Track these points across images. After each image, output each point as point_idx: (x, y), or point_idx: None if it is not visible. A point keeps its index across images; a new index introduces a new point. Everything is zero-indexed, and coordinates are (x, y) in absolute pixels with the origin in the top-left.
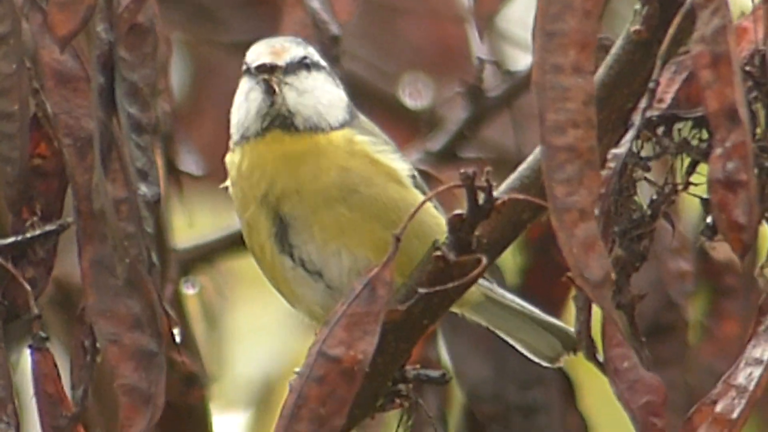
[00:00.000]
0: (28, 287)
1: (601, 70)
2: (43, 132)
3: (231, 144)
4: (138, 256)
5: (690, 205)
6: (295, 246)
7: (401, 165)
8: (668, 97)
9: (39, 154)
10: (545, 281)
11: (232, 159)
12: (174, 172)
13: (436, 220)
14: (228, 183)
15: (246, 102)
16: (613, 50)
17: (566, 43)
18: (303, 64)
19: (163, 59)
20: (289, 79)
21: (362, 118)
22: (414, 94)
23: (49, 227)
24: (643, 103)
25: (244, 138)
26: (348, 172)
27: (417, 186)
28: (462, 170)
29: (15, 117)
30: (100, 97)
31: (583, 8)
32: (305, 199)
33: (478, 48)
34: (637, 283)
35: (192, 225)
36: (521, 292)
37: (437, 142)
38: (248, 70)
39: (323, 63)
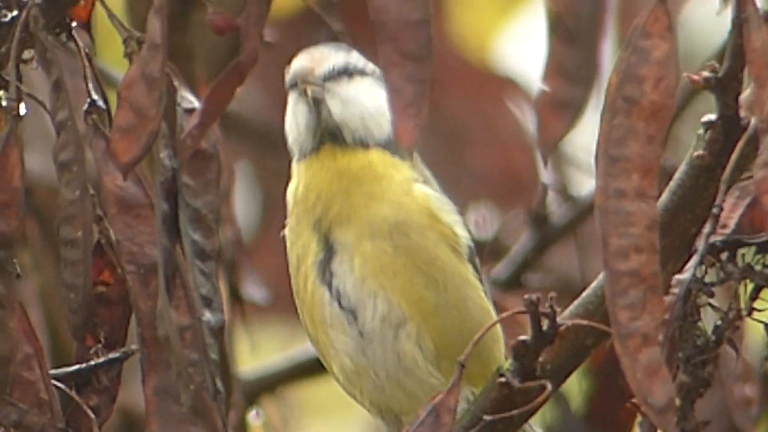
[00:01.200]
0: (92, 415)
1: (665, 195)
2: (106, 259)
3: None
4: (203, 383)
5: (754, 330)
6: (335, 275)
7: (461, 232)
8: (732, 223)
9: (102, 282)
10: (611, 407)
11: (290, 187)
12: (238, 300)
13: (494, 337)
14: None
15: (294, 117)
16: (677, 175)
17: (629, 168)
18: (345, 71)
19: (226, 187)
20: (331, 86)
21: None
22: (479, 224)
23: (112, 355)
24: (706, 229)
25: (302, 156)
26: (402, 211)
27: (471, 261)
28: (526, 296)
29: (78, 244)
30: (163, 224)
31: (646, 133)
32: (354, 224)
33: (544, 174)
34: (701, 409)
35: (256, 354)
36: (587, 418)
37: (502, 271)
38: (293, 84)
39: (369, 68)
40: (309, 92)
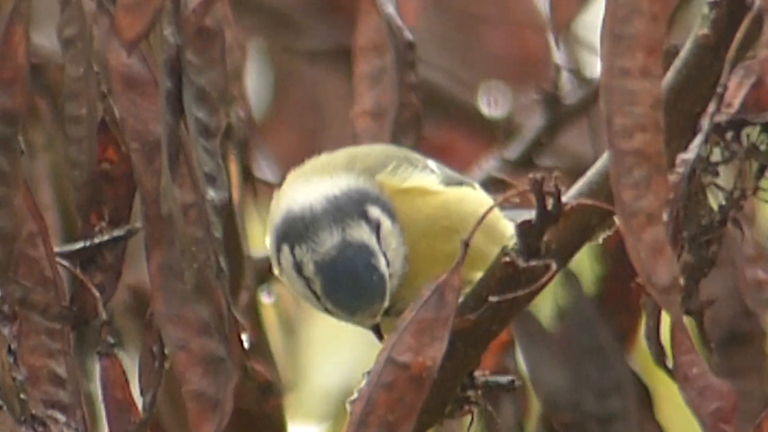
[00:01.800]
0: (96, 293)
1: (670, 74)
2: (110, 136)
3: None
4: (206, 261)
5: (765, 211)
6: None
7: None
8: (736, 102)
9: (107, 159)
10: (623, 289)
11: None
12: (250, 179)
13: (504, 227)
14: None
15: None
16: (682, 54)
17: (634, 47)
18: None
19: (237, 65)
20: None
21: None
22: (492, 103)
23: (117, 232)
24: (711, 108)
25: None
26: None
27: (450, 183)
28: (530, 175)
29: (83, 121)
30: (167, 101)
31: (651, 12)
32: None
33: (557, 55)
34: (713, 291)
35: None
36: (600, 299)
37: (514, 150)
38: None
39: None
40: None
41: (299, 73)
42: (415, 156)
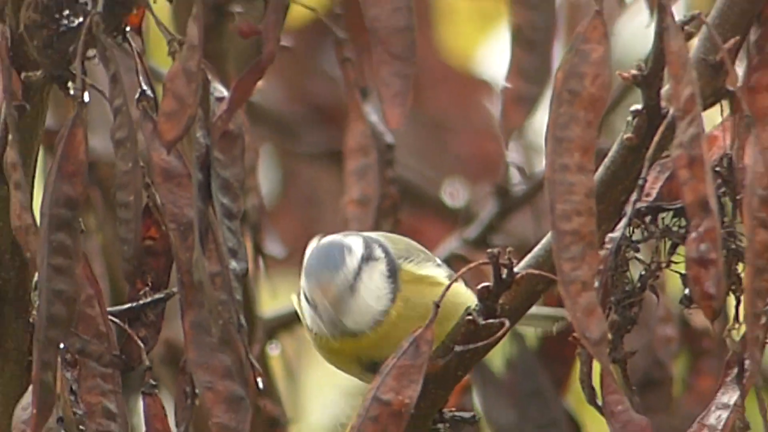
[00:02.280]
0: (141, 344)
1: (600, 170)
2: (153, 218)
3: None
4: (229, 319)
5: (674, 280)
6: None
7: (438, 272)
8: (654, 192)
9: (150, 237)
10: (559, 343)
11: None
12: (261, 255)
13: (466, 295)
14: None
15: (314, 323)
16: (610, 153)
17: (572, 147)
18: (347, 288)
19: (251, 163)
20: (341, 306)
21: (403, 262)
22: (453, 196)
23: (157, 296)
24: (633, 197)
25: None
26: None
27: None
28: (489, 250)
29: (130, 206)
30: (198, 190)
31: (586, 119)
32: (385, 354)
33: (508, 155)
34: (631, 345)
35: (275, 297)
36: (540, 352)
37: (472, 232)
38: (306, 296)
39: (358, 262)
40: (327, 315)
41: (300, 170)
42: (430, 254)
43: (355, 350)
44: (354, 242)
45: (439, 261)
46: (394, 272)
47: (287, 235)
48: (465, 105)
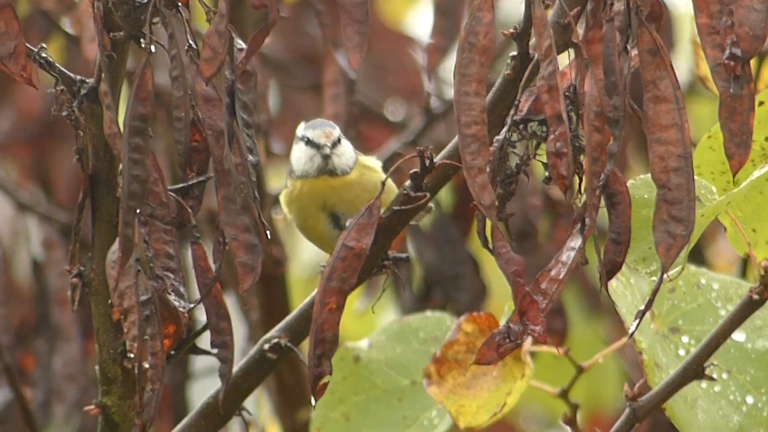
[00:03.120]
0: (189, 210)
1: (490, 95)
2: (197, 128)
3: (288, 181)
4: (248, 193)
5: (538, 167)
6: (343, 219)
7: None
8: (525, 108)
9: (195, 140)
10: (465, 209)
11: (289, 189)
12: (269, 153)
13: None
14: (284, 206)
15: (310, 162)
16: (496, 85)
17: (471, 80)
18: (338, 139)
19: (262, 91)
20: (334, 150)
21: (359, 155)
22: (394, 113)
23: (200, 178)
24: (512, 112)
25: (304, 177)
26: (364, 190)
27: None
28: (417, 147)
29: (182, 120)
30: (226, 109)
31: (480, 61)
32: (347, 205)
33: (428, 86)
34: (511, 209)
35: (278, 179)
36: (452, 214)
37: (407, 137)
38: (309, 142)
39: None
40: (325, 151)
41: (293, 97)
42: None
43: (325, 191)
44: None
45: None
46: (353, 152)
47: (285, 139)
48: (398, 54)
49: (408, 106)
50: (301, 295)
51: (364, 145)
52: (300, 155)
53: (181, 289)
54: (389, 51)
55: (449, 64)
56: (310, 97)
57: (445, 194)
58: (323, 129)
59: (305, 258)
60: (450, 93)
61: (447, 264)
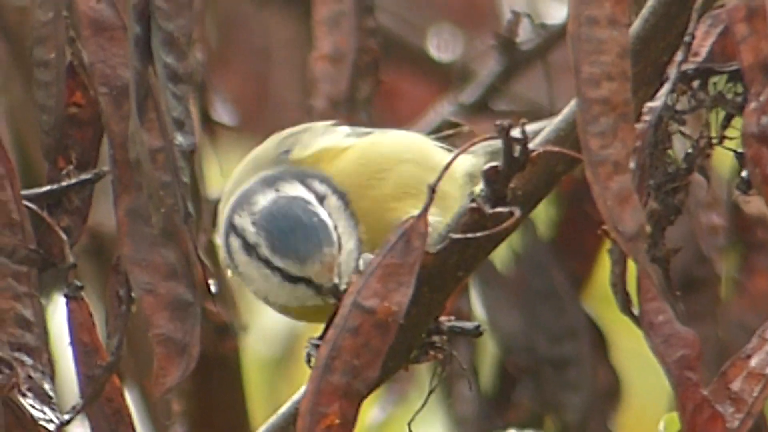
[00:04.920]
0: (63, 236)
1: (637, 23)
2: (78, 81)
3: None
4: (174, 205)
5: (722, 159)
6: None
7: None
8: (703, 51)
9: (75, 103)
10: (577, 234)
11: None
12: (208, 122)
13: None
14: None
15: (292, 298)
16: (649, 3)
17: None
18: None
19: (197, 9)
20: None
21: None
22: (442, 47)
23: (84, 176)
24: (678, 57)
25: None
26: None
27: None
28: (498, 121)
29: (51, 65)
30: (136, 47)
31: None
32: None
33: (509, 1)
34: (669, 237)
35: (225, 175)
36: (555, 244)
37: (470, 95)
38: (290, 277)
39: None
40: (329, 287)
41: (248, 15)
42: (317, 124)
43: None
44: (297, 193)
45: (341, 128)
46: (338, 190)
47: (234, 97)
48: None
49: (470, 36)
50: (266, 391)
51: (389, 107)
52: (264, 285)
53: (46, 385)
54: None
55: None
56: (283, 18)
57: (544, 209)
58: (313, 257)
59: (272, 323)
60: (555, 15)
61: (545, 337)
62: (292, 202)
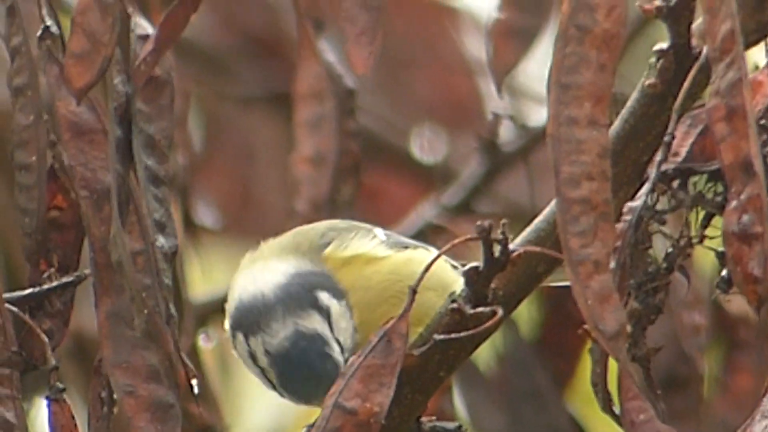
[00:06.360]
0: (45, 338)
1: (616, 123)
2: (59, 184)
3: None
4: (155, 307)
5: (704, 258)
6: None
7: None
8: (683, 151)
9: (56, 206)
10: (560, 334)
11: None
12: (190, 225)
13: (449, 274)
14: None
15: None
16: (629, 103)
17: (581, 96)
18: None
19: (180, 112)
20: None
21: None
22: (425, 148)
23: (66, 279)
24: (658, 157)
25: None
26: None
27: (393, 245)
28: (478, 222)
29: (32, 168)
30: (116, 149)
31: (598, 61)
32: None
33: (494, 102)
34: (651, 336)
35: (208, 278)
36: (537, 344)
37: (452, 197)
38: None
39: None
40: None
41: (232, 118)
42: (360, 225)
43: None
44: (315, 328)
45: (379, 233)
46: (339, 292)
47: (218, 200)
48: (430, 35)
49: (454, 136)
50: None
51: (371, 208)
52: (259, 381)
53: None
54: (419, 31)
55: (534, 63)
56: (263, 120)
57: (526, 308)
58: (323, 395)
59: (261, 419)
60: (535, 115)
61: None
62: (309, 346)
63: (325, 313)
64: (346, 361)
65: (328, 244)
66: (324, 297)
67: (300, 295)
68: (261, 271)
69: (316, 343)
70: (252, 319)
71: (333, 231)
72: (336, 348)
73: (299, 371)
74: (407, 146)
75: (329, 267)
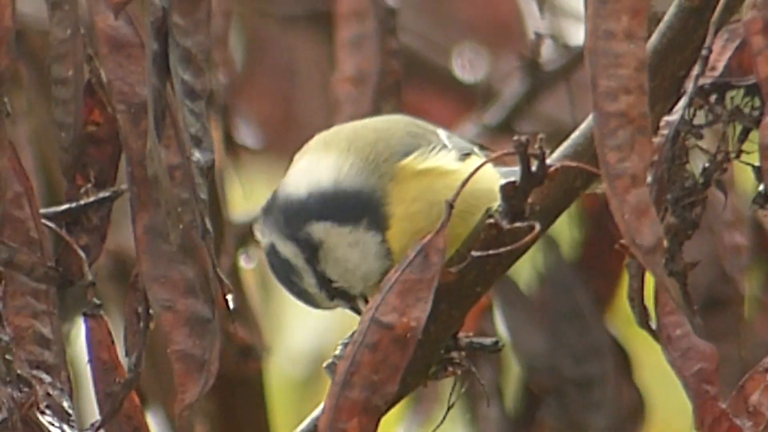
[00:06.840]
0: (82, 254)
1: (654, 37)
2: (96, 98)
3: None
4: (192, 222)
5: (746, 179)
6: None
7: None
8: (720, 65)
9: (93, 121)
10: (602, 254)
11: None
12: (231, 145)
13: (491, 186)
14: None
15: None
16: (666, 17)
17: (619, 9)
18: None
19: (220, 30)
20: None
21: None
22: (466, 67)
23: (102, 194)
24: (695, 71)
25: None
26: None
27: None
28: (515, 137)
29: (69, 83)
30: (153, 64)
31: None
32: None
33: (535, 21)
34: (692, 255)
35: (249, 198)
36: (578, 265)
37: (494, 116)
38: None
39: None
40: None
41: (273, 37)
42: (426, 126)
43: None
44: (284, 247)
45: (444, 137)
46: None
47: (260, 119)
48: None
49: (495, 56)
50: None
51: None
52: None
53: (65, 403)
54: None
55: None
56: (304, 40)
57: (564, 225)
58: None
59: (298, 341)
60: (577, 35)
61: (568, 357)
62: (280, 266)
63: (310, 247)
64: (329, 292)
65: (408, 153)
66: (319, 230)
67: (291, 223)
68: (309, 167)
69: (284, 267)
70: (268, 209)
71: (419, 127)
72: (310, 280)
73: (278, 277)
74: (448, 65)
75: (398, 176)
